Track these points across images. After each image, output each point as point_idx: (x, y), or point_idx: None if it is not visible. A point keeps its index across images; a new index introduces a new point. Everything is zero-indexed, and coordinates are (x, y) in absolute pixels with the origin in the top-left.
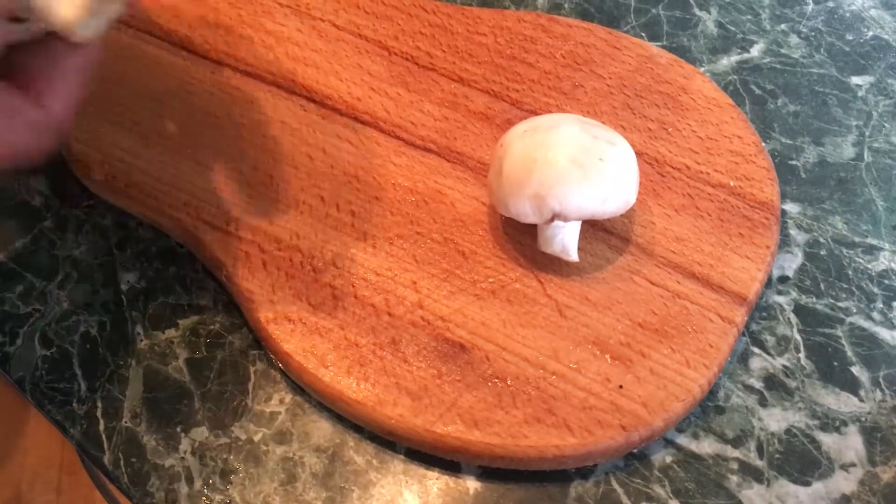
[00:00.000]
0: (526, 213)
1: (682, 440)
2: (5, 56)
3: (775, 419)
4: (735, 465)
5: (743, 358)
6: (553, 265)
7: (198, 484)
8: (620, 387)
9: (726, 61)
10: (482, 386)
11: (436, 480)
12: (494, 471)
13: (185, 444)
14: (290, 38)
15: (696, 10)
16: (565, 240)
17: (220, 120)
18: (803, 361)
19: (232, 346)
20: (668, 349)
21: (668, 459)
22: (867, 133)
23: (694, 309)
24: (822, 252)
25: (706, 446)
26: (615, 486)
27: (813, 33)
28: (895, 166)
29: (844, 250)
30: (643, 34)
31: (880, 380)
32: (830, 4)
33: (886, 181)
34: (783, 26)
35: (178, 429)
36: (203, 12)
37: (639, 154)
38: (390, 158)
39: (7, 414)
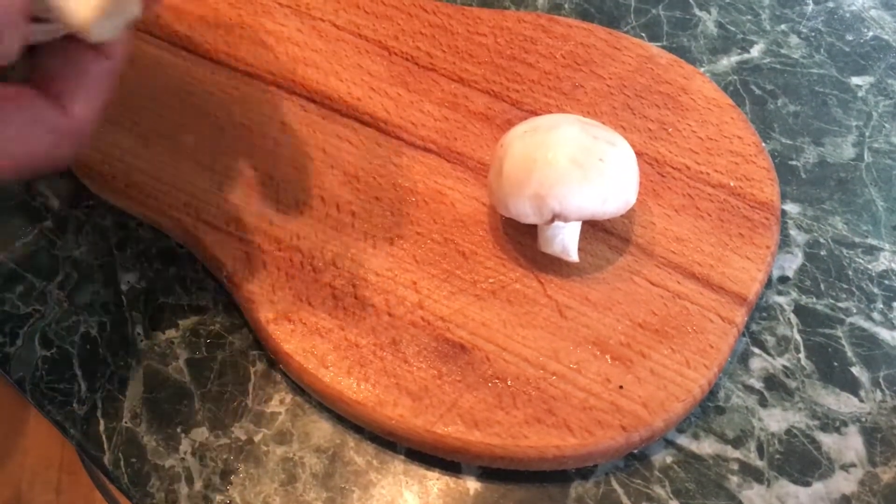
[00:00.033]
0: (526, 213)
1: (683, 440)
2: (30, 60)
3: (775, 419)
4: (735, 466)
5: (743, 358)
6: (553, 265)
7: (198, 484)
8: (621, 387)
9: (726, 61)
10: (482, 386)
11: (436, 481)
12: (495, 471)
13: (185, 445)
14: (291, 38)
15: (696, 11)
16: (565, 240)
17: (220, 120)
18: (803, 362)
19: (232, 346)
20: (668, 349)
21: (669, 460)
22: (867, 133)
23: (694, 309)
24: (823, 252)
25: (706, 447)
26: (615, 486)
27: (813, 34)
28: (895, 167)
29: (844, 251)
30: (643, 34)
31: (880, 380)
32: (830, 5)
33: (886, 181)
34: (783, 26)
35: (179, 429)
36: (203, 12)
37: (639, 154)
38: (390, 159)
39: (7, 414)
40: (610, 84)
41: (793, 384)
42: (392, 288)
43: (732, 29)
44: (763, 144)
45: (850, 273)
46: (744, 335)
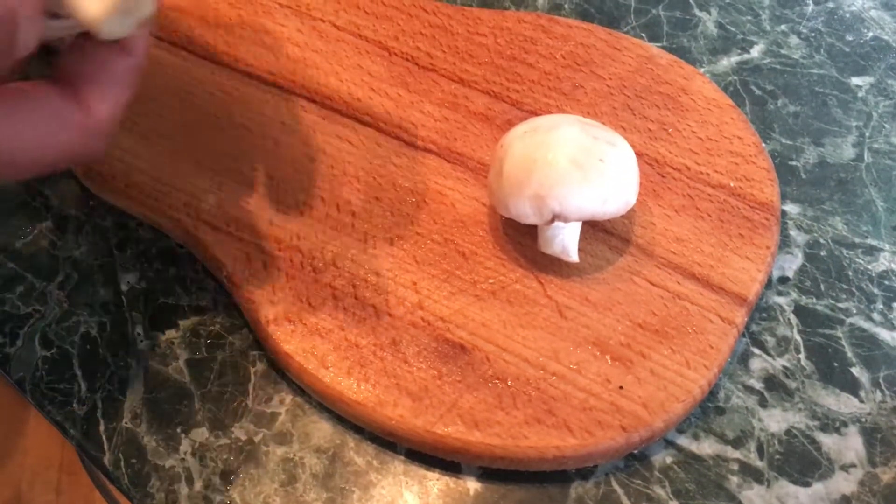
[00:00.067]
0: (526, 213)
1: (683, 441)
2: (49, 57)
3: (775, 420)
4: (735, 466)
5: (743, 359)
6: (553, 266)
7: (198, 485)
8: (621, 388)
9: (726, 62)
10: (482, 387)
11: (436, 481)
12: (495, 471)
13: (185, 445)
14: (291, 38)
15: (697, 11)
16: (565, 240)
17: (221, 120)
18: (803, 362)
19: (232, 346)
20: (668, 350)
21: (669, 460)
22: (867, 134)
23: (694, 310)
24: (822, 253)
25: (706, 447)
26: (615, 486)
27: (813, 34)
28: (895, 167)
29: (844, 251)
30: (643, 35)
31: (880, 381)
32: (830, 5)
33: (886, 182)
34: (783, 27)
35: (179, 429)
36: (203, 12)
37: (639, 155)
38: (390, 159)
39: (7, 414)
40: (610, 84)
41: (793, 385)
42: (392, 288)
43: (732, 29)
44: (763, 145)
45: (850, 273)
46: (744, 335)
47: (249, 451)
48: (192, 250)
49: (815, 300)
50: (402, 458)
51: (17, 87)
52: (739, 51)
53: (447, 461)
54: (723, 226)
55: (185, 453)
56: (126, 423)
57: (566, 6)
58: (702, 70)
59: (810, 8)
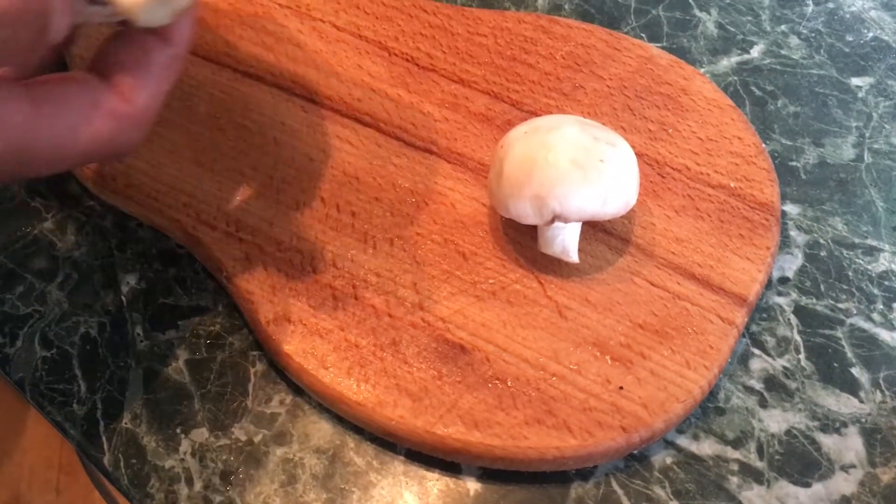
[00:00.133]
0: (526, 214)
1: (683, 441)
2: (94, 49)
3: (775, 420)
4: (735, 467)
5: (743, 359)
6: (553, 266)
7: (198, 485)
8: (621, 388)
9: (726, 62)
10: (482, 387)
11: (436, 482)
12: (495, 472)
13: (185, 446)
14: (291, 38)
15: (697, 12)
16: (566, 241)
17: (221, 121)
18: (803, 362)
19: (232, 347)
20: (668, 350)
21: (669, 461)
22: (867, 134)
23: (694, 310)
24: (823, 253)
25: (706, 447)
26: (615, 487)
27: (813, 34)
28: (895, 167)
29: (844, 251)
30: (643, 35)
31: (880, 381)
32: (830, 5)
33: (886, 182)
34: (783, 27)
35: (178, 430)
36: (203, 13)
37: (639, 155)
38: (390, 159)
39: (7, 414)
40: (610, 85)
41: (793, 385)
42: (392, 289)
43: (732, 30)
44: (763, 145)
45: (850, 274)
46: (744, 336)
47: (249, 451)
48: (192, 250)
49: (815, 300)
50: (402, 458)
51: (54, 76)
52: (739, 51)
53: (447, 461)
54: (723, 226)
55: (185, 454)
56: (126, 423)
57: (566, 7)
58: (702, 70)
59: (810, 8)
